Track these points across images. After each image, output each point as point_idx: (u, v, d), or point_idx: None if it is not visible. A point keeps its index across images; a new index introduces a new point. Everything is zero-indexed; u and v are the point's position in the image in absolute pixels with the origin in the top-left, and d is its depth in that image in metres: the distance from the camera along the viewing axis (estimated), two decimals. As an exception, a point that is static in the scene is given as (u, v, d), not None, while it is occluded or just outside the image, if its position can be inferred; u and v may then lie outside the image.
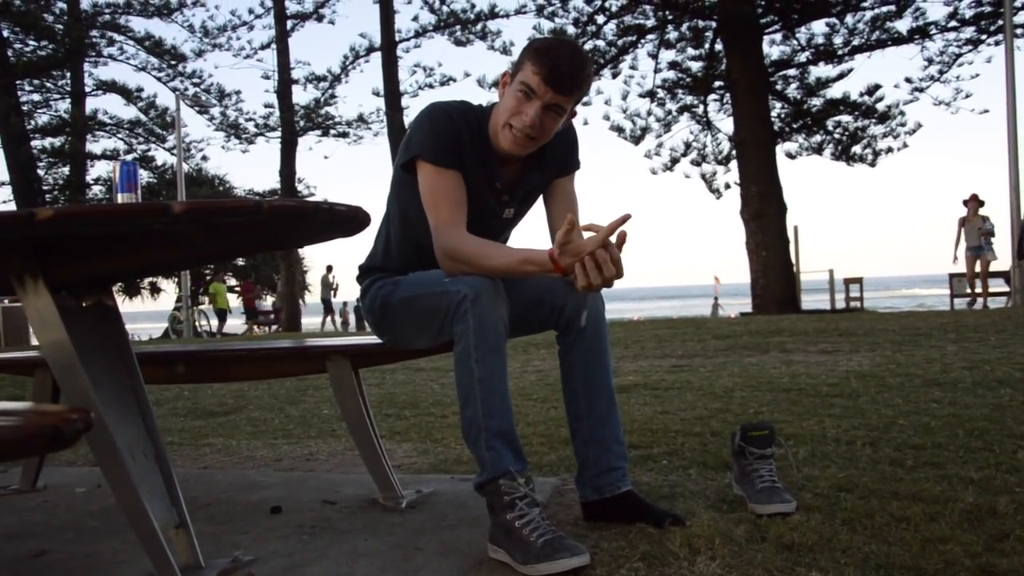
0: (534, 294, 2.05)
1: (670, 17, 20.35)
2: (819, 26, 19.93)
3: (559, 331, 2.10)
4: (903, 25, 19.69)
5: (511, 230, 2.24)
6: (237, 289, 36.13)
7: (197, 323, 21.68)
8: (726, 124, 23.74)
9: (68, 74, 26.57)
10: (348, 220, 1.58)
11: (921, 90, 19.95)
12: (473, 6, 23.47)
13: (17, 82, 25.25)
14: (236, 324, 29.58)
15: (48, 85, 26.89)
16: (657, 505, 2.06)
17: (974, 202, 13.76)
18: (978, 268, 13.81)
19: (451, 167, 1.97)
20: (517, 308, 1.97)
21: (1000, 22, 16.98)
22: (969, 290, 14.41)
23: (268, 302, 30.22)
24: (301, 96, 41.02)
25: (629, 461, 2.15)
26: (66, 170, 27.25)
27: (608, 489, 2.04)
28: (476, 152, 2.02)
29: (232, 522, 2.23)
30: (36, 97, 26.91)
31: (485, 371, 1.84)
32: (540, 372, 5.80)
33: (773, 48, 20.36)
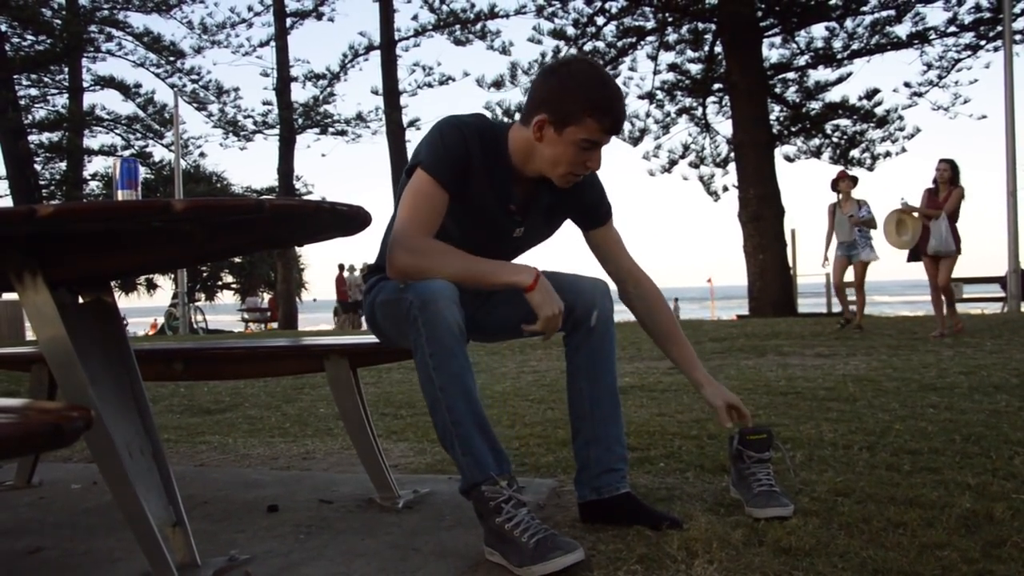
0: None
1: (670, 19, 20.38)
2: (819, 30, 20.04)
3: (567, 331, 2.09)
4: (902, 30, 19.76)
5: (521, 253, 2.22)
6: (235, 286, 36.11)
7: (193, 319, 21.65)
8: (725, 126, 23.78)
9: (66, 69, 26.53)
10: (349, 220, 1.58)
11: (920, 95, 20.06)
12: (473, 6, 23.54)
13: (15, 77, 25.20)
14: (232, 320, 29.56)
15: (46, 80, 26.87)
16: (655, 508, 2.06)
17: (845, 181, 9.44)
18: (850, 274, 9.38)
19: (445, 187, 1.94)
20: (524, 308, 1.98)
21: (999, 28, 17.03)
22: (840, 305, 9.75)
23: (265, 299, 30.21)
24: (300, 94, 40.98)
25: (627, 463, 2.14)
26: (63, 165, 27.24)
27: (607, 490, 2.03)
28: (488, 170, 1.99)
29: (228, 520, 2.22)
30: (34, 92, 26.92)
31: (443, 378, 1.82)
32: (537, 373, 5.80)
33: (772, 51, 20.45)
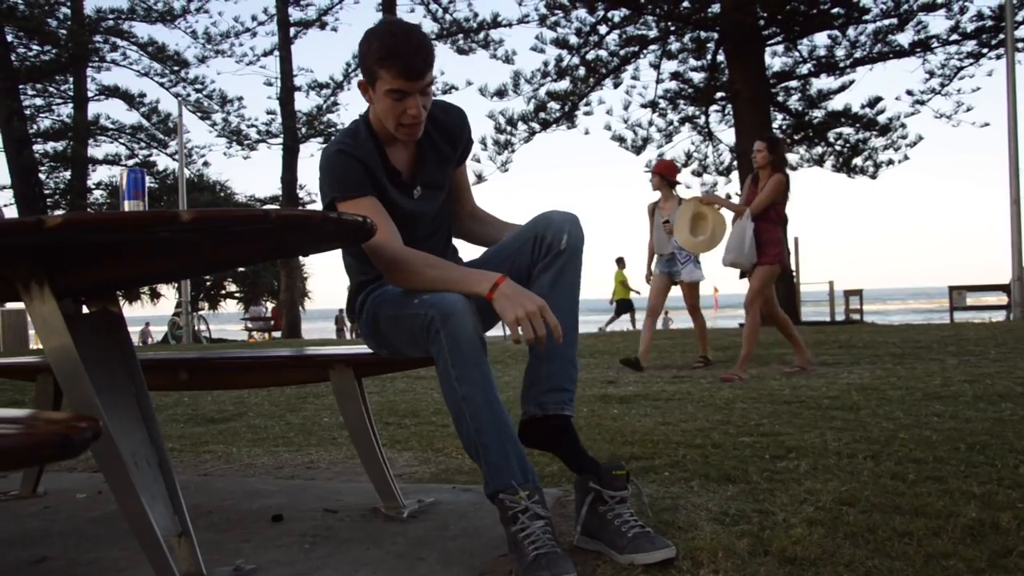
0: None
1: (672, 28, 20.40)
2: (821, 38, 20.03)
3: (536, 258, 2.06)
4: (905, 38, 19.77)
5: (437, 213, 2.23)
6: (238, 295, 36.09)
7: (197, 328, 21.68)
8: (727, 135, 23.81)
9: (71, 79, 26.63)
10: (355, 230, 1.59)
11: (922, 103, 20.00)
12: (476, 15, 23.64)
13: (20, 86, 25.31)
14: (236, 329, 29.55)
15: (51, 89, 26.96)
16: (587, 453, 2.01)
17: (662, 173, 7.03)
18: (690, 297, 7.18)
19: (366, 194, 2.03)
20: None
21: (1001, 36, 17.04)
22: (646, 335, 6.88)
23: (268, 308, 30.22)
24: (303, 103, 41.23)
25: (631, 471, 2.13)
26: (68, 175, 27.30)
27: (553, 407, 2.00)
28: (371, 163, 2.07)
29: (233, 530, 2.23)
30: (39, 101, 27.01)
31: (467, 388, 1.84)
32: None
33: (775, 60, 20.43)
